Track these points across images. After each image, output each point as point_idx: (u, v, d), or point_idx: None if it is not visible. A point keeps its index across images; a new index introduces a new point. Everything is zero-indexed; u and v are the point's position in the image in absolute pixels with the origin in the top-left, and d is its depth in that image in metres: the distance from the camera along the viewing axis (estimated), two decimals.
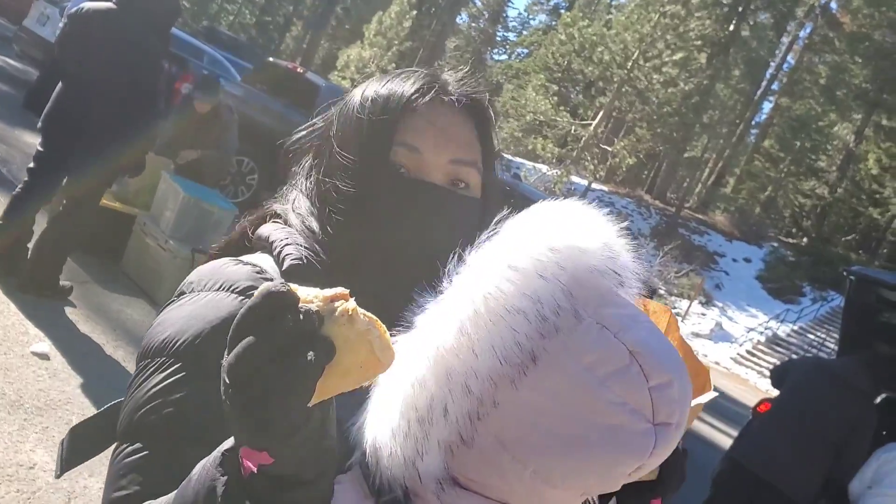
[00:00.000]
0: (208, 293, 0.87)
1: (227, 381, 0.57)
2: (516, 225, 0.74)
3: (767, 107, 39.88)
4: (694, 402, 0.96)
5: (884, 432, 4.38)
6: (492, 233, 0.74)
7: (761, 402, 4.72)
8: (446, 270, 0.73)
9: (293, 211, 0.99)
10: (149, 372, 0.83)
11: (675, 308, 23.52)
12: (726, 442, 9.13)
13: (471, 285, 0.69)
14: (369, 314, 0.61)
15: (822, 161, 34.74)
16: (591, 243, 0.70)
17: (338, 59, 32.57)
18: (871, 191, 31.65)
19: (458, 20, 45.61)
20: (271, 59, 12.46)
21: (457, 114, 0.98)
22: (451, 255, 0.73)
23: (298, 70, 10.75)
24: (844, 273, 4.63)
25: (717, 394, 1.00)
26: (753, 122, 39.41)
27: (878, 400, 4.38)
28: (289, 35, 44.38)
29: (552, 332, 0.66)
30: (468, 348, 0.66)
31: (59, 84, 4.40)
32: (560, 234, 0.70)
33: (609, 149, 30.39)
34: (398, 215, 0.91)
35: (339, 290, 0.62)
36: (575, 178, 29.99)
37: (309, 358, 0.56)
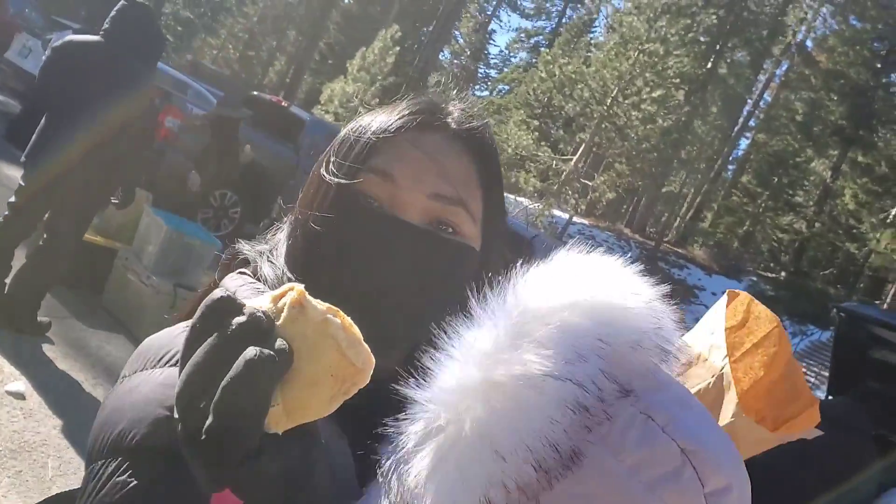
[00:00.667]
0: (163, 369, 0.73)
1: (176, 414, 0.48)
2: (537, 285, 0.60)
3: (745, 143, 40.50)
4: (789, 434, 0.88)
5: None
6: (500, 293, 0.60)
7: None
8: (432, 331, 0.60)
9: (267, 260, 0.84)
10: (104, 477, 0.69)
11: None
12: None
13: (485, 363, 0.56)
14: (327, 304, 0.51)
15: (800, 196, 35.20)
16: (636, 310, 0.58)
17: (321, 93, 32.70)
18: (848, 225, 32.04)
19: (440, 57, 46.06)
20: (255, 92, 12.44)
21: (452, 145, 0.81)
22: (433, 312, 0.61)
23: (283, 104, 10.75)
24: (834, 310, 4.61)
25: (821, 433, 0.94)
26: (731, 158, 40.00)
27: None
28: (272, 69, 44.55)
29: (594, 424, 0.55)
30: (489, 447, 0.53)
31: (44, 118, 4.32)
32: (595, 300, 0.57)
33: (589, 183, 30.58)
34: (354, 258, 0.75)
35: (289, 284, 0.52)
36: (556, 212, 30.09)
37: (254, 356, 0.46)
